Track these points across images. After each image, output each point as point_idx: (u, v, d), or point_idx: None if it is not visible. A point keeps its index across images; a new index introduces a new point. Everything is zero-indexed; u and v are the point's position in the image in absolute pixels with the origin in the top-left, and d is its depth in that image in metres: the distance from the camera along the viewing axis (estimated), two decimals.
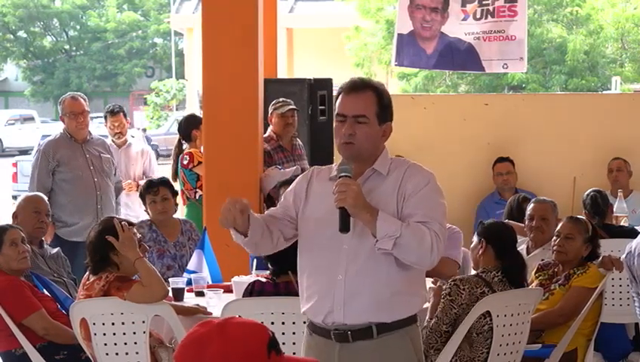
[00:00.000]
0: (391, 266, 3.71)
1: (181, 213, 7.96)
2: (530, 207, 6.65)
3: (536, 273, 5.97)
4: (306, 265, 3.87)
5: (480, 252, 5.30)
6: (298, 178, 4.06)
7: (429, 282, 5.95)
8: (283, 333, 4.76)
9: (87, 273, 5.22)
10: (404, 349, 3.77)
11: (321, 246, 3.79)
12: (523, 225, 6.69)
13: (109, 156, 7.88)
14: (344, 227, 3.66)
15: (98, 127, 8.42)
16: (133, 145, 8.92)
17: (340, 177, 3.70)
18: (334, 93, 8.85)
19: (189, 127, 8.38)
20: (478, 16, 8.91)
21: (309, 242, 3.85)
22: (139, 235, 5.35)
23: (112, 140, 8.86)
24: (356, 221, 3.69)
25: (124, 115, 9.01)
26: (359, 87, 3.86)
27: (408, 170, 3.82)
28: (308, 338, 3.90)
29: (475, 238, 5.40)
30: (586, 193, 7.46)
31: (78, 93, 8.22)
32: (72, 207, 7.63)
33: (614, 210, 7.62)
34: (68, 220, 7.55)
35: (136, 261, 5.00)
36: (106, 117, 9.05)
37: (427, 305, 3.99)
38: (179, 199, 7.78)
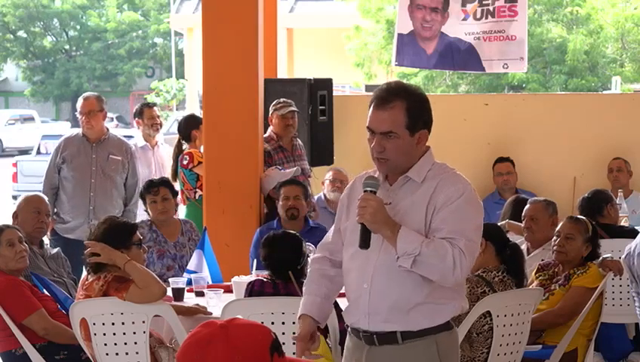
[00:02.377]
0: (416, 278, 3.66)
1: (181, 213, 7.95)
2: (525, 208, 6.67)
3: (536, 273, 5.97)
4: (344, 269, 3.90)
5: (480, 250, 5.28)
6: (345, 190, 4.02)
7: None
8: (283, 333, 4.76)
9: (86, 273, 5.22)
10: (428, 356, 3.73)
11: (352, 254, 3.80)
12: (522, 224, 6.71)
13: (119, 158, 7.88)
14: (363, 243, 3.66)
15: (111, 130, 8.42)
16: (162, 146, 9.03)
17: (365, 191, 3.68)
18: (335, 93, 8.85)
19: (188, 127, 8.37)
20: (478, 16, 8.91)
21: (345, 248, 3.87)
22: (140, 236, 5.35)
23: (148, 135, 8.92)
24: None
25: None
26: (387, 99, 3.72)
27: (442, 180, 3.71)
28: (347, 338, 3.95)
29: None
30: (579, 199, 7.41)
31: (93, 93, 8.25)
32: (68, 206, 7.68)
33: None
34: (64, 217, 7.65)
35: (126, 266, 4.99)
36: (141, 112, 9.08)
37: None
38: (179, 199, 7.78)
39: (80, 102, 7.91)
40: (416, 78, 20.90)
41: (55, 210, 7.70)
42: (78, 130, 8.01)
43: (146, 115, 8.98)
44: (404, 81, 21.78)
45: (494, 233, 5.38)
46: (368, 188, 3.68)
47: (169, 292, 5.56)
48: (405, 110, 3.71)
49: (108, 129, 8.02)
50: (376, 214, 3.62)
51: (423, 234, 3.66)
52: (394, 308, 3.70)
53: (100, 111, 7.86)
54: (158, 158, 8.88)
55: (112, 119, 38.53)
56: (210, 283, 6.03)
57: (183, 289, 5.74)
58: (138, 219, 7.41)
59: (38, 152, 18.90)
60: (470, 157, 9.17)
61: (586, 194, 7.21)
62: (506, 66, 9.02)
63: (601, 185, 8.03)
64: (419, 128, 3.74)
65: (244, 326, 2.58)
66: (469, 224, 3.66)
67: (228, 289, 5.75)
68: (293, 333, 3.94)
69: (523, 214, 6.62)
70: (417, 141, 3.75)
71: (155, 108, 9.16)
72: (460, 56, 8.97)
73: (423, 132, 3.76)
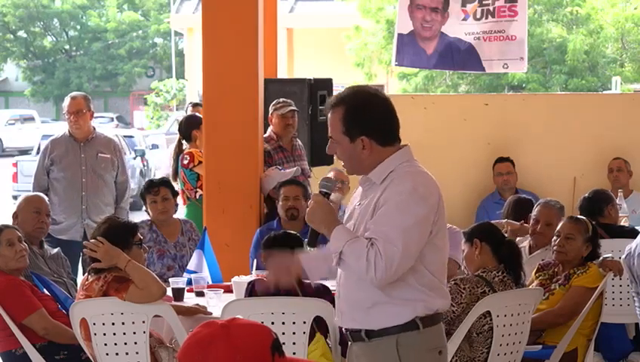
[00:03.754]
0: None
1: (181, 213, 7.95)
2: (536, 209, 6.61)
3: (536, 273, 5.97)
4: None
5: (477, 252, 5.28)
6: None
7: None
8: (283, 333, 4.76)
9: (87, 273, 5.22)
10: (388, 356, 3.80)
11: None
12: (519, 223, 6.70)
13: (108, 156, 7.88)
14: (309, 241, 3.88)
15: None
16: None
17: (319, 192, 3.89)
18: (335, 93, 8.85)
19: (189, 127, 8.37)
20: (478, 16, 8.91)
21: None
22: (140, 236, 5.35)
23: None
24: None
25: None
26: (331, 105, 3.88)
27: (392, 181, 3.79)
28: None
29: (466, 244, 5.36)
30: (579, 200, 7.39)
31: (80, 92, 8.24)
32: (60, 206, 7.66)
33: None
34: (56, 218, 7.57)
35: (126, 267, 4.99)
36: (186, 110, 9.25)
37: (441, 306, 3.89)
38: (179, 199, 7.78)
39: (67, 101, 7.86)
40: (417, 78, 20.92)
41: None
42: (64, 131, 7.98)
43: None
44: (405, 81, 21.83)
45: (489, 233, 5.37)
46: (322, 190, 3.89)
47: (169, 292, 5.56)
48: (341, 117, 3.83)
49: (94, 128, 8.00)
50: (314, 213, 3.81)
51: None
52: (355, 307, 3.83)
53: (87, 111, 7.86)
54: None
55: (112, 119, 38.54)
56: (210, 283, 6.03)
57: (183, 289, 5.74)
58: (138, 219, 7.41)
59: (38, 152, 18.88)
60: (470, 157, 9.17)
61: (587, 195, 7.20)
62: (506, 66, 9.02)
63: (601, 185, 8.03)
64: (356, 135, 3.82)
65: (245, 326, 2.58)
66: (393, 227, 3.68)
67: (228, 289, 5.75)
68: None
69: (536, 217, 6.56)
70: (362, 147, 3.82)
71: (198, 107, 9.17)
72: (460, 56, 8.97)
73: (364, 139, 3.82)
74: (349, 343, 3.92)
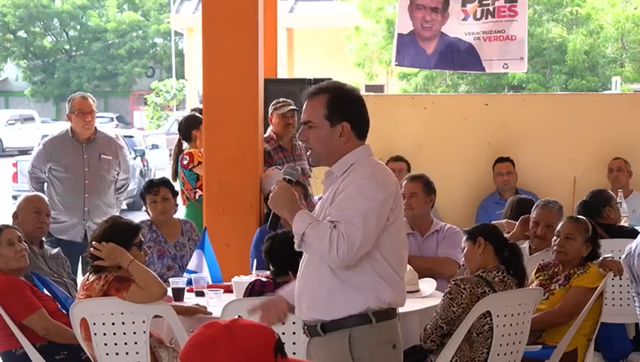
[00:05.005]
0: (323, 265, 3.88)
1: (181, 213, 7.95)
2: (535, 211, 6.60)
3: (536, 273, 5.97)
4: None
5: (480, 251, 5.28)
6: None
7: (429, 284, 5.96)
8: (283, 333, 4.75)
9: (87, 273, 5.22)
10: (340, 350, 3.89)
11: None
12: (519, 224, 6.70)
13: (110, 158, 7.87)
14: (269, 225, 4.05)
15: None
16: None
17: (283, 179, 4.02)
18: None
19: (189, 127, 8.36)
20: (478, 16, 8.91)
21: None
22: (142, 237, 5.35)
23: None
24: None
25: None
26: (313, 93, 4.01)
27: (351, 172, 3.94)
28: None
29: (468, 242, 5.35)
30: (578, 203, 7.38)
31: (88, 93, 8.23)
32: (61, 206, 7.65)
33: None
34: (57, 218, 7.55)
35: (129, 266, 4.99)
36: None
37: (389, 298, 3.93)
38: (179, 199, 7.78)
39: (78, 101, 7.81)
40: (417, 78, 20.92)
41: None
42: (63, 130, 7.95)
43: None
44: (405, 81, 21.84)
45: (493, 233, 5.37)
46: (285, 176, 4.03)
47: (169, 292, 5.56)
48: (326, 101, 3.97)
49: (96, 127, 7.99)
50: (277, 198, 3.94)
51: None
52: (312, 296, 3.95)
53: (95, 112, 7.87)
54: None
55: (112, 119, 38.56)
56: (210, 283, 6.02)
57: (183, 289, 5.74)
58: (138, 220, 7.41)
59: None
60: (470, 158, 9.17)
61: (584, 198, 7.19)
62: (506, 66, 9.02)
63: (601, 185, 8.03)
64: (339, 120, 3.96)
65: (248, 326, 2.58)
66: (354, 210, 3.83)
67: (228, 289, 5.75)
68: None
69: (535, 219, 6.56)
70: (340, 134, 3.97)
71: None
72: (459, 56, 8.97)
73: (345, 125, 3.96)
74: (308, 339, 4.02)
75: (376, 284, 3.90)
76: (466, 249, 5.36)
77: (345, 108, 3.98)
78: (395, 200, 3.93)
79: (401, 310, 5.36)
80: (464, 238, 5.41)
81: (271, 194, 3.98)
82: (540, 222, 6.53)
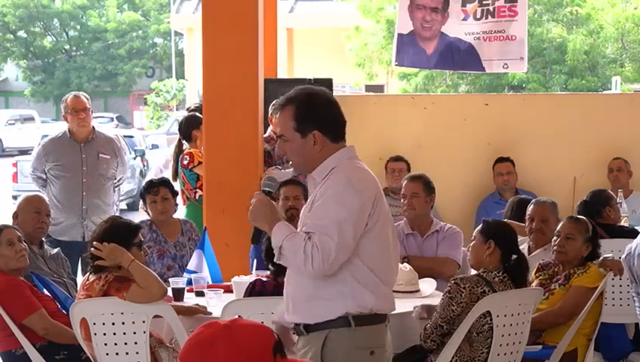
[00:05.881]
0: (302, 273, 3.88)
1: (181, 213, 7.96)
2: (530, 208, 6.63)
3: (536, 273, 5.97)
4: None
5: (488, 252, 5.26)
6: None
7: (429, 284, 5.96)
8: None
9: (88, 273, 5.22)
10: (315, 350, 3.91)
11: None
12: (524, 224, 6.68)
13: (108, 157, 7.87)
14: (252, 239, 4.06)
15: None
16: None
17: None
18: (335, 93, 8.85)
19: (189, 127, 8.37)
20: (478, 16, 8.91)
21: None
22: (141, 237, 5.35)
23: None
24: None
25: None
26: (281, 105, 3.99)
27: (329, 179, 3.90)
28: None
29: (480, 237, 5.32)
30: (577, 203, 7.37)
31: (81, 92, 8.24)
32: (59, 206, 7.65)
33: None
34: (55, 218, 7.52)
35: (130, 266, 4.99)
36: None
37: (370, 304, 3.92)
38: (179, 199, 7.77)
39: (71, 100, 7.82)
40: (417, 78, 20.92)
41: None
42: (63, 131, 7.95)
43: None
44: (405, 81, 21.82)
45: (506, 239, 5.31)
46: (264, 188, 4.04)
47: (169, 293, 5.56)
48: (292, 114, 3.94)
49: (94, 127, 7.99)
50: (256, 212, 3.95)
51: None
52: (295, 301, 3.96)
53: (90, 110, 7.87)
54: None
55: (112, 119, 38.57)
56: (210, 283, 6.02)
57: (183, 289, 5.74)
58: (138, 220, 7.41)
59: None
60: (470, 158, 9.17)
61: (584, 198, 7.19)
62: (506, 66, 9.01)
63: (601, 185, 8.03)
64: (308, 130, 3.92)
65: (248, 326, 2.59)
66: (329, 219, 3.80)
67: (228, 289, 5.75)
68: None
69: (530, 215, 6.57)
70: (313, 142, 3.93)
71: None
72: (459, 56, 8.97)
73: (316, 133, 3.93)
74: (297, 337, 4.04)
75: (357, 291, 3.87)
76: (475, 241, 5.32)
77: (312, 116, 3.93)
78: (374, 205, 3.87)
79: (401, 310, 5.39)
80: (478, 229, 5.36)
81: (250, 207, 3.97)
82: (534, 218, 6.55)
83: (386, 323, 3.99)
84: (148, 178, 8.08)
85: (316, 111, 3.95)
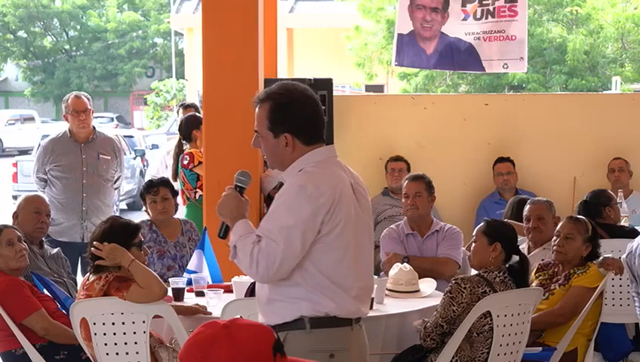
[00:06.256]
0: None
1: (181, 213, 7.95)
2: (526, 208, 6.64)
3: (536, 273, 5.97)
4: None
5: (493, 254, 5.25)
6: None
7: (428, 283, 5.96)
8: None
9: (88, 273, 5.22)
10: None
11: None
12: (523, 224, 6.69)
13: (108, 158, 7.87)
14: (219, 234, 4.01)
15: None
16: None
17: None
18: (335, 93, 8.82)
19: (189, 127, 8.37)
20: (478, 16, 8.91)
21: None
22: (141, 237, 5.34)
23: None
24: None
25: (197, 110, 9.15)
26: (260, 100, 3.92)
27: (287, 183, 3.86)
28: None
29: (484, 238, 5.30)
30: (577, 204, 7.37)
31: (83, 92, 8.24)
32: (59, 206, 7.64)
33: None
34: (55, 218, 7.51)
35: (130, 266, 4.98)
36: (178, 111, 9.39)
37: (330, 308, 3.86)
38: (179, 199, 7.77)
39: (72, 100, 7.80)
40: (417, 78, 20.93)
41: None
42: (63, 131, 7.95)
43: (179, 115, 9.15)
44: (405, 81, 21.80)
45: (511, 241, 5.30)
46: (236, 184, 3.99)
47: (169, 293, 5.56)
48: (267, 112, 3.88)
49: (94, 128, 7.99)
50: (222, 206, 3.93)
51: None
52: (258, 301, 3.95)
53: (91, 111, 7.87)
54: None
55: (112, 119, 38.57)
56: (210, 283, 6.02)
57: (183, 289, 5.74)
58: (138, 220, 7.41)
59: None
60: (470, 158, 9.17)
61: (585, 198, 7.20)
62: (506, 66, 9.02)
63: (601, 185, 8.03)
64: (280, 131, 3.86)
65: (247, 326, 2.59)
66: (277, 225, 3.77)
67: (228, 289, 5.75)
68: None
69: (526, 215, 6.59)
70: (285, 144, 3.87)
71: (191, 109, 9.20)
72: (459, 56, 8.97)
73: (287, 135, 3.86)
74: None
75: (312, 295, 3.81)
76: (478, 243, 5.30)
77: (285, 118, 3.85)
78: (330, 211, 3.76)
79: (401, 310, 5.40)
80: (480, 229, 5.34)
81: (219, 200, 3.96)
82: (530, 217, 6.56)
83: (352, 326, 3.88)
84: (147, 176, 8.10)
85: (291, 112, 3.86)
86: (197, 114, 8.54)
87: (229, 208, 3.92)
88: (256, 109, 3.91)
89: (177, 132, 8.69)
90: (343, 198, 3.81)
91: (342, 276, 3.83)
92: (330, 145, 3.96)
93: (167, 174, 8.71)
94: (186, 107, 9.49)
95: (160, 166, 9.27)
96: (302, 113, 3.87)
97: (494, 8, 8.86)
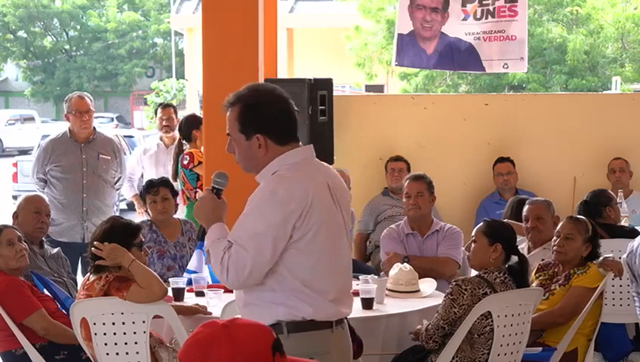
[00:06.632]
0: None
1: (181, 213, 7.95)
2: (524, 208, 6.64)
3: (536, 273, 5.97)
4: None
5: (495, 256, 5.24)
6: None
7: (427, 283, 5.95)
8: None
9: (88, 273, 5.22)
10: None
11: None
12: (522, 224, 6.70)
13: (109, 158, 7.87)
14: (198, 236, 4.00)
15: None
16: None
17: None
18: (336, 93, 8.83)
19: (189, 127, 8.37)
20: (478, 16, 8.91)
21: None
22: (142, 238, 5.34)
23: (161, 137, 9.11)
24: None
25: (175, 112, 9.16)
26: (230, 103, 3.87)
27: (259, 186, 3.83)
28: None
29: (484, 239, 5.29)
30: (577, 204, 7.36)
31: (85, 92, 8.23)
32: (59, 207, 7.63)
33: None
34: (55, 219, 7.51)
35: (130, 266, 4.98)
36: (156, 111, 9.41)
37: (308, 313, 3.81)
38: (179, 199, 7.77)
39: (75, 100, 7.80)
40: (417, 78, 20.94)
41: None
42: (63, 131, 7.94)
43: (158, 114, 9.25)
44: (405, 81, 21.80)
45: (511, 242, 5.30)
46: (214, 186, 3.99)
47: (169, 292, 5.56)
48: (237, 115, 3.83)
49: (95, 128, 7.98)
50: (199, 209, 3.92)
51: None
52: (238, 305, 3.91)
53: (93, 111, 7.87)
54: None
55: (112, 119, 38.58)
56: (210, 283, 6.02)
57: (183, 289, 5.74)
58: (138, 220, 7.41)
59: None
60: (470, 158, 9.17)
61: (585, 198, 7.19)
62: (506, 66, 9.02)
63: (601, 185, 8.02)
64: (252, 132, 3.81)
65: (246, 326, 2.59)
66: (247, 231, 3.73)
67: (228, 290, 5.74)
68: None
69: (525, 215, 6.60)
70: (258, 145, 3.82)
71: (169, 108, 9.27)
72: (460, 56, 8.97)
73: (260, 137, 3.81)
74: None
75: (288, 300, 3.76)
76: (478, 244, 5.29)
77: (256, 119, 3.80)
78: (302, 217, 3.70)
79: (401, 310, 5.40)
80: (480, 230, 5.34)
81: (196, 203, 3.92)
82: (529, 217, 6.56)
83: (332, 328, 3.82)
84: (123, 177, 8.09)
85: (260, 112, 3.81)
86: (196, 114, 8.53)
87: (205, 211, 3.90)
88: (227, 113, 3.86)
89: (177, 132, 8.70)
90: (316, 202, 3.74)
91: (317, 280, 3.77)
92: (307, 145, 3.90)
93: (147, 174, 8.74)
94: (164, 107, 9.41)
95: (136, 166, 9.18)
96: (271, 112, 3.82)
97: (494, 8, 8.86)
